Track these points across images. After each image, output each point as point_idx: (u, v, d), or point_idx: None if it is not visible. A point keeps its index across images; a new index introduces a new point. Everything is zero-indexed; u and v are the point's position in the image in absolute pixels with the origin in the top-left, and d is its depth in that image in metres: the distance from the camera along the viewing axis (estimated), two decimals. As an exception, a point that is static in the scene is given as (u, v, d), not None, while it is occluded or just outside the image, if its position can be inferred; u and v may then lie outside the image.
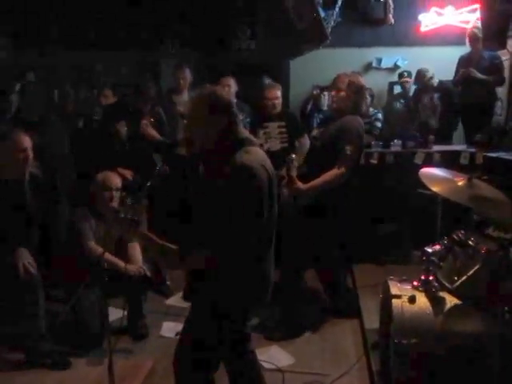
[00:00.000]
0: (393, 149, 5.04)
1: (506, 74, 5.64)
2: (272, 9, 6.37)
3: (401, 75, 6.18)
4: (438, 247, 2.83)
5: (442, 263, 2.81)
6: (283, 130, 4.72)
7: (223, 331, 2.22)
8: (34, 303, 3.25)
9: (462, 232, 2.84)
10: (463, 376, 2.59)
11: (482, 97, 5.54)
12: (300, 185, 3.46)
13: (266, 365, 3.11)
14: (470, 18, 6.16)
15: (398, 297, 2.70)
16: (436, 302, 2.69)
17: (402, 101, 6.05)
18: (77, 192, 4.51)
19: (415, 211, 4.56)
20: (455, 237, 2.81)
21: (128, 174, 4.28)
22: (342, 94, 3.64)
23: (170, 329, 3.73)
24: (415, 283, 2.80)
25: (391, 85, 6.51)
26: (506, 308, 2.49)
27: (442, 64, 5.92)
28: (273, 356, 3.36)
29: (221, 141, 2.14)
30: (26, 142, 3.30)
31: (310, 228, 3.61)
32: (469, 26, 5.95)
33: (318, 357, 3.42)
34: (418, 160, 4.83)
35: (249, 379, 2.47)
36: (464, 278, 2.64)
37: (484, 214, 2.99)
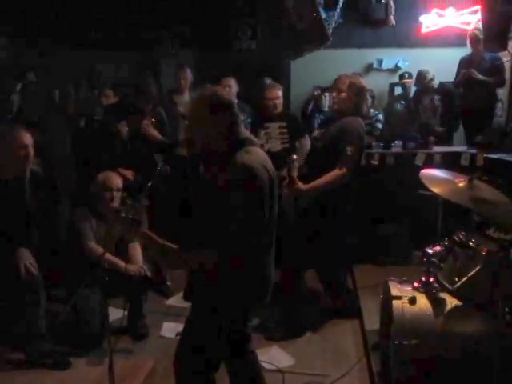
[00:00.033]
0: (393, 150, 5.04)
1: (507, 75, 5.64)
2: (272, 9, 6.37)
3: (401, 76, 6.18)
4: (438, 248, 2.84)
5: (442, 264, 2.81)
6: (284, 130, 4.71)
7: (224, 331, 2.22)
8: (35, 304, 3.24)
9: (463, 233, 2.84)
10: (463, 377, 2.59)
11: (483, 98, 5.55)
12: (301, 185, 3.46)
13: (266, 365, 3.11)
14: (470, 20, 6.16)
15: (399, 298, 2.71)
16: (436, 303, 2.70)
17: (402, 102, 6.04)
18: (77, 192, 4.52)
19: (416, 212, 4.56)
20: (456, 238, 2.81)
21: (129, 174, 4.27)
22: (343, 95, 3.65)
23: (171, 329, 3.73)
24: (416, 284, 2.81)
25: (392, 86, 6.49)
26: (506, 309, 2.49)
27: (442, 65, 5.91)
28: (273, 357, 3.37)
29: (222, 141, 2.14)
30: (27, 138, 3.27)
31: (311, 228, 3.61)
32: (470, 28, 5.96)
33: (318, 357, 3.42)
34: (419, 161, 4.84)
35: (249, 379, 2.47)
36: (464, 279, 2.65)
37: (484, 215, 2.99)
